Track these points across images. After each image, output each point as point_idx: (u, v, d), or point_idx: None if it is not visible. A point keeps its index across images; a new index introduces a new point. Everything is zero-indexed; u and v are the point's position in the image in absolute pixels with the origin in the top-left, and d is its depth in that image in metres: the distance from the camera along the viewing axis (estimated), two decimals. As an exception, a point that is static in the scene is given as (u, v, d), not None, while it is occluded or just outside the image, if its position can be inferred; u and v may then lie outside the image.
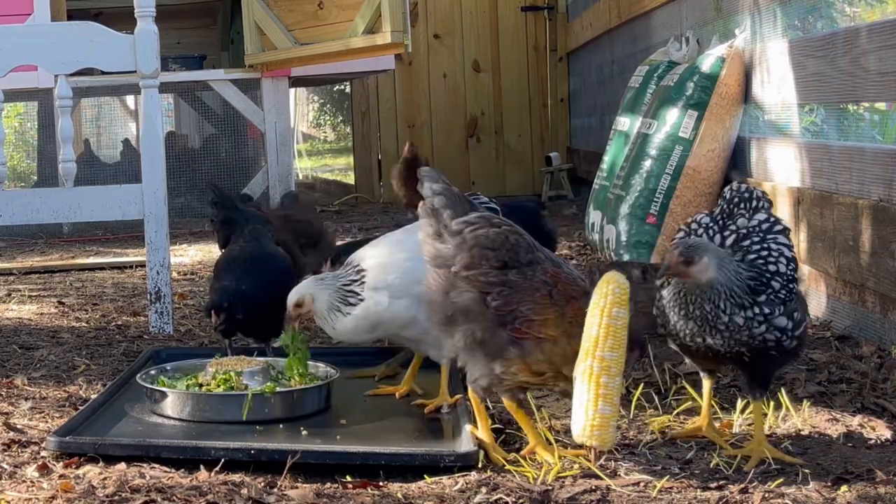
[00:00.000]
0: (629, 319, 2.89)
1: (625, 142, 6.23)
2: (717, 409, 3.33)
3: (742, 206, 3.13)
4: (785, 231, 3.08)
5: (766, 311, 2.93)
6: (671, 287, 3.01)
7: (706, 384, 3.20)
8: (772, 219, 3.09)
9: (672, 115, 5.50)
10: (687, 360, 3.23)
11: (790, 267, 2.99)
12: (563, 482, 2.83)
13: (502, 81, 11.73)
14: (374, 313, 3.42)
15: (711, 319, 2.94)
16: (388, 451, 2.99)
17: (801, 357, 3.29)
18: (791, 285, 2.98)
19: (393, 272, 3.44)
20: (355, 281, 3.46)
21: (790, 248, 3.04)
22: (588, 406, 2.84)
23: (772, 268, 2.97)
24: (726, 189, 3.22)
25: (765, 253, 3.00)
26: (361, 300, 3.42)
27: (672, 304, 3.01)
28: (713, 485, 2.80)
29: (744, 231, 3.06)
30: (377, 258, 3.50)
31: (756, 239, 3.03)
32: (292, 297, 3.46)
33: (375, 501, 2.73)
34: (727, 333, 2.94)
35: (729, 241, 3.05)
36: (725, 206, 3.15)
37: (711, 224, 3.11)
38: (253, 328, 4.05)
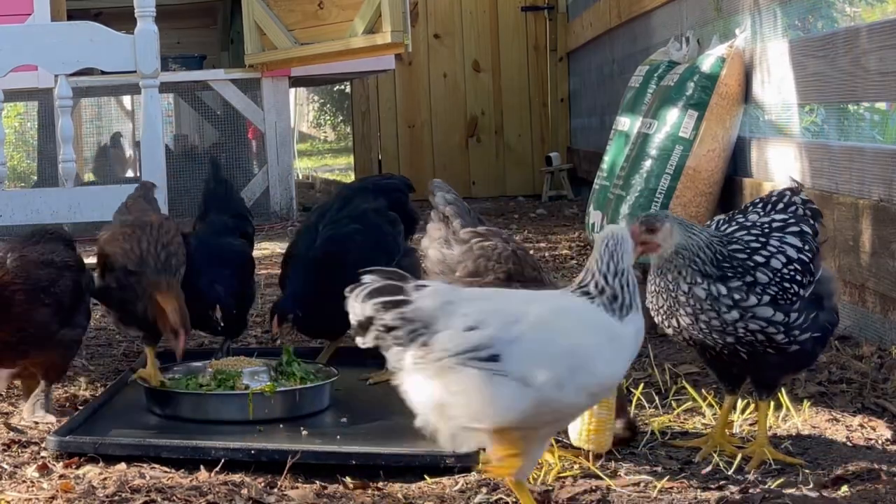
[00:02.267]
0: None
1: (625, 142, 6.22)
2: (718, 409, 3.33)
3: (763, 206, 3.10)
4: (802, 234, 3.00)
5: (737, 296, 2.88)
6: (651, 273, 3.00)
7: (727, 401, 3.15)
8: (790, 220, 3.03)
9: (672, 115, 5.50)
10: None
11: (790, 267, 2.93)
12: (563, 482, 2.83)
13: (502, 81, 11.72)
14: None
15: (672, 289, 2.90)
16: (389, 452, 2.99)
17: (812, 364, 3.24)
18: (789, 286, 2.92)
19: None
20: None
21: (801, 250, 2.96)
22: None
23: (758, 259, 2.93)
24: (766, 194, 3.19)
25: (757, 245, 2.95)
26: None
27: (650, 284, 3.01)
28: (713, 485, 2.79)
29: (748, 224, 3.02)
30: None
31: (755, 232, 2.99)
32: None
33: (376, 502, 2.73)
34: (689, 308, 2.89)
35: (724, 228, 3.03)
36: (750, 207, 3.13)
37: (726, 219, 3.11)
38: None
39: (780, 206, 3.09)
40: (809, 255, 2.98)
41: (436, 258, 3.10)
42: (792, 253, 2.96)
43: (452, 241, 3.08)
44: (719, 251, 2.91)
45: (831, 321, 3.01)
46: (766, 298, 2.90)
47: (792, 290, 2.93)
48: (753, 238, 2.98)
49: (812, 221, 3.07)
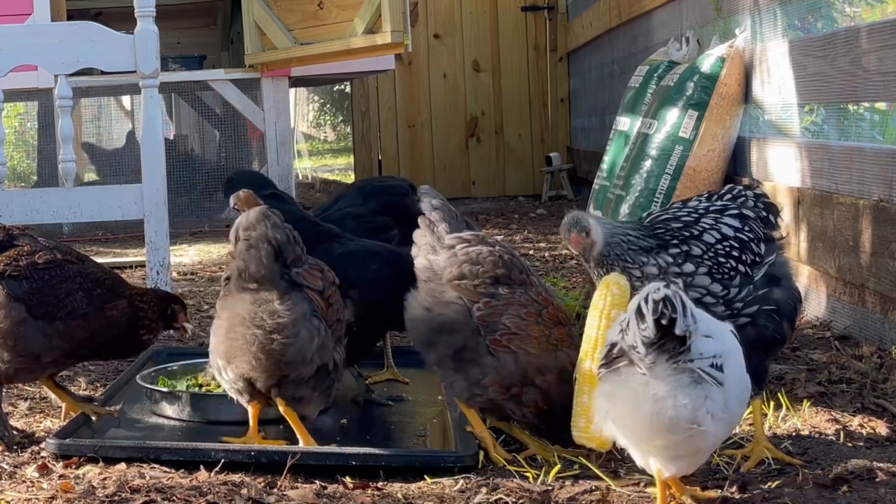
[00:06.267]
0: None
1: (625, 142, 6.22)
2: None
3: (709, 197, 3.20)
4: (741, 216, 3.10)
5: (680, 261, 2.97)
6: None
7: None
8: (731, 206, 3.13)
9: (672, 115, 5.50)
10: None
11: (725, 244, 3.02)
12: (563, 482, 2.83)
13: (502, 81, 11.72)
14: None
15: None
16: (389, 452, 2.99)
17: (775, 348, 3.22)
18: (724, 260, 3.00)
19: None
20: None
21: (739, 230, 3.06)
22: (587, 408, 2.84)
23: (694, 231, 3.03)
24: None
25: (689, 219, 3.06)
26: None
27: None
28: (713, 485, 2.79)
29: (680, 205, 3.14)
30: None
31: (687, 210, 3.11)
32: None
33: (376, 502, 2.73)
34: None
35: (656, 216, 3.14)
36: (694, 197, 3.24)
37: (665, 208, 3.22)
38: None
39: (728, 196, 3.20)
40: (750, 235, 3.07)
41: (423, 265, 3.08)
42: (727, 231, 3.06)
43: (438, 248, 3.07)
44: (645, 224, 3.04)
45: (791, 298, 3.08)
46: (703, 269, 2.99)
47: (728, 265, 3.01)
48: (685, 214, 3.10)
49: (765, 214, 3.17)
